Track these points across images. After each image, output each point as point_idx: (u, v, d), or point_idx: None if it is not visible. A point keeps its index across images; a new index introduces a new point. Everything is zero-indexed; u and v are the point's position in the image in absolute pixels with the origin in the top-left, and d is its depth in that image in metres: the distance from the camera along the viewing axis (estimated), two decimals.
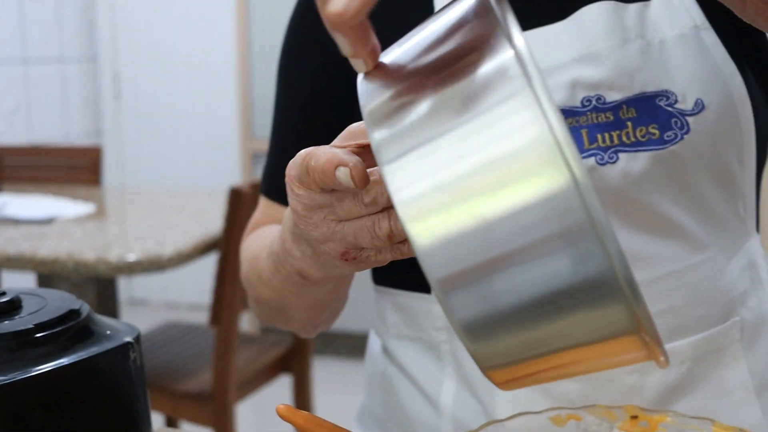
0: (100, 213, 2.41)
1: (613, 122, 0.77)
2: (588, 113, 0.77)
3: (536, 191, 0.40)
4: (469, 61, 0.44)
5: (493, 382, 0.48)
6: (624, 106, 0.77)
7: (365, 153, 0.57)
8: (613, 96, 0.77)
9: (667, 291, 0.79)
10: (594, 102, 0.77)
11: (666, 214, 0.78)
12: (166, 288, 4.50)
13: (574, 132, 0.77)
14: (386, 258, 0.58)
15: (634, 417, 0.70)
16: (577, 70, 0.77)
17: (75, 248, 1.92)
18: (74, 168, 3.08)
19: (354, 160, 0.54)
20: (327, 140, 0.85)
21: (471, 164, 0.42)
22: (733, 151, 0.80)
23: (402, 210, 0.43)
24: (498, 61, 0.43)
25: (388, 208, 0.55)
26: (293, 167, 0.57)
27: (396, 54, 0.50)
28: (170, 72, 4.30)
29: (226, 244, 2.01)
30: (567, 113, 0.77)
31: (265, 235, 0.84)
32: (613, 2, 0.79)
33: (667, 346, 0.79)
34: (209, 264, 2.19)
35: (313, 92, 0.87)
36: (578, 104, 0.77)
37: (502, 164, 0.41)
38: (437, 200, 0.42)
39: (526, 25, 0.80)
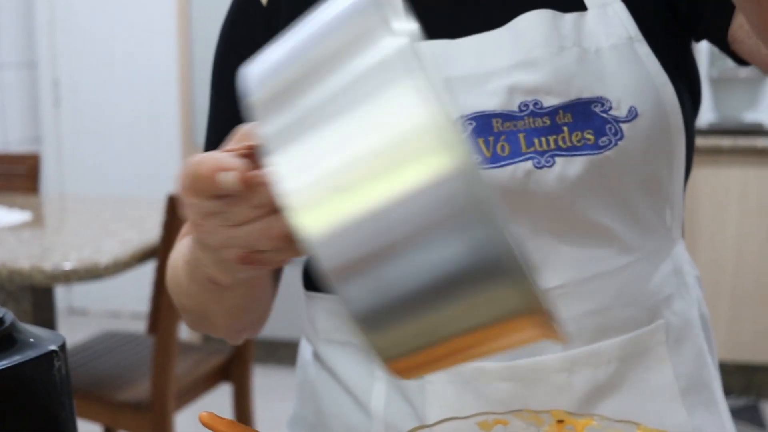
0: (37, 221, 2.38)
1: (550, 127, 0.79)
2: (525, 118, 0.79)
3: (422, 177, 0.40)
4: (353, 51, 0.44)
5: (393, 372, 0.48)
6: (560, 111, 0.79)
7: (256, 154, 0.56)
8: (550, 101, 0.79)
9: (595, 291, 0.81)
10: (531, 107, 0.79)
11: (597, 218, 0.80)
12: (107, 297, 4.45)
13: (512, 137, 0.78)
14: (286, 257, 0.58)
15: (560, 421, 0.71)
16: (514, 75, 0.79)
17: (9, 257, 1.89)
18: (12, 175, 3.03)
19: (237, 163, 0.54)
20: None
21: (356, 152, 0.42)
22: (664, 159, 0.82)
23: (288, 201, 0.43)
24: (380, 49, 0.43)
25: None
26: (183, 176, 0.57)
27: (280, 47, 0.50)
28: (111, 79, 4.26)
29: (164, 252, 1.99)
30: (505, 117, 0.79)
31: (186, 245, 0.84)
32: (550, 11, 0.81)
33: (595, 346, 0.81)
34: (149, 272, 2.17)
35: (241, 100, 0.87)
36: (516, 109, 0.79)
37: (388, 151, 0.41)
38: (324, 190, 0.42)
39: (465, 31, 0.81)
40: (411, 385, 0.83)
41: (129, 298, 4.34)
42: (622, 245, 0.82)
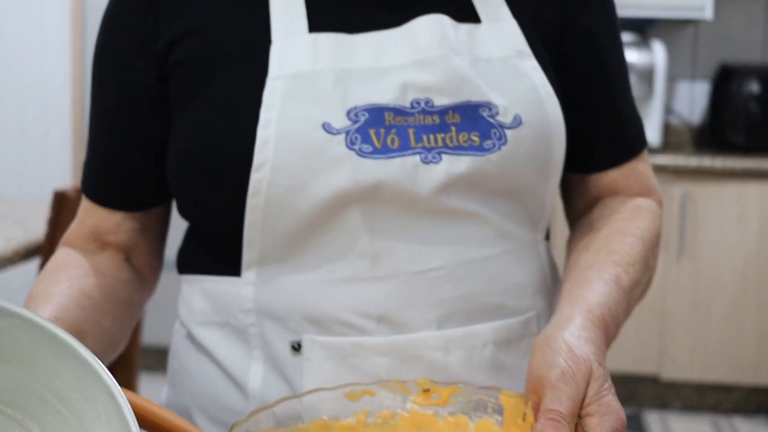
0: None
1: (439, 125, 0.83)
2: (416, 114, 0.83)
3: None
4: None
5: None
6: (450, 112, 0.83)
7: None
8: (440, 101, 0.83)
9: (467, 276, 0.85)
10: (423, 105, 0.83)
11: (474, 211, 0.85)
12: None
13: (402, 131, 0.82)
14: None
15: (426, 390, 0.73)
16: (409, 73, 0.83)
17: None
18: None
19: None
20: (137, 140, 0.87)
21: None
22: (542, 166, 0.87)
23: None
24: None
25: None
26: None
27: None
28: (1, 78, 4.14)
29: (49, 249, 1.95)
30: (397, 112, 0.82)
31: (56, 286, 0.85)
32: (446, 17, 0.86)
33: (469, 328, 0.85)
34: (33, 270, 2.12)
35: (120, 93, 0.89)
36: (408, 105, 0.83)
37: None
38: None
39: (363, 28, 0.85)
40: (288, 363, 0.84)
41: (12, 296, 4.20)
42: (496, 237, 0.87)
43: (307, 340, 0.83)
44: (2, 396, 0.60)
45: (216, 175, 0.82)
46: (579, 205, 0.98)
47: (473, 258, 0.85)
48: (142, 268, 0.95)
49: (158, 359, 3.63)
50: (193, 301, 0.90)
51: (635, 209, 0.92)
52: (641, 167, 0.95)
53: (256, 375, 0.86)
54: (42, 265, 1.97)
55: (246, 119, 0.82)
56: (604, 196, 0.95)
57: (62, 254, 0.92)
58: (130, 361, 2.35)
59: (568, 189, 0.98)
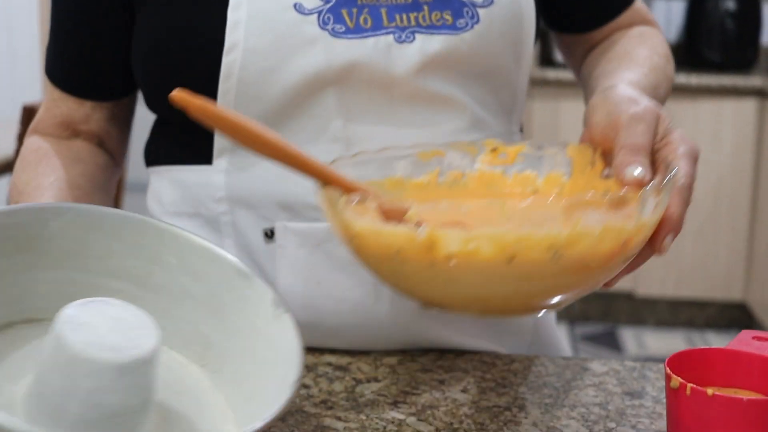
0: None
1: (411, 4, 0.82)
2: None
3: None
4: None
5: None
6: None
7: None
8: None
9: None
10: None
11: (449, 95, 0.84)
12: None
13: (374, 11, 0.81)
14: None
15: (494, 150, 0.79)
16: None
17: None
18: None
19: None
20: (103, 27, 0.85)
21: None
22: (514, 48, 0.86)
23: None
24: None
25: None
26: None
27: None
28: None
29: None
30: None
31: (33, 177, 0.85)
32: None
33: None
34: (4, 186, 2.09)
35: None
36: None
37: None
38: None
39: None
40: (261, 250, 0.83)
41: None
42: (473, 121, 0.86)
43: (280, 227, 0.82)
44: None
45: (186, 59, 0.80)
46: (582, 51, 0.99)
47: (452, 143, 0.84)
48: (113, 153, 0.94)
49: None
50: (162, 193, 0.88)
51: (641, 33, 0.95)
52: (637, 5, 0.97)
53: None
54: None
55: (216, 1, 0.79)
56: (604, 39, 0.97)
57: (36, 143, 0.90)
58: None
59: (572, 45, 1.00)
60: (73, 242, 0.67)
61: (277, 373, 0.64)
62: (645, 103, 0.72)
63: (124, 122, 0.94)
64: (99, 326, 0.57)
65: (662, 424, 0.72)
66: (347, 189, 0.68)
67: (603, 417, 0.73)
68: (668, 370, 0.64)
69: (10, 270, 0.64)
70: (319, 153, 0.81)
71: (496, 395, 0.77)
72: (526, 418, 0.73)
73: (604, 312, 3.50)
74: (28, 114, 1.88)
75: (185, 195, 0.86)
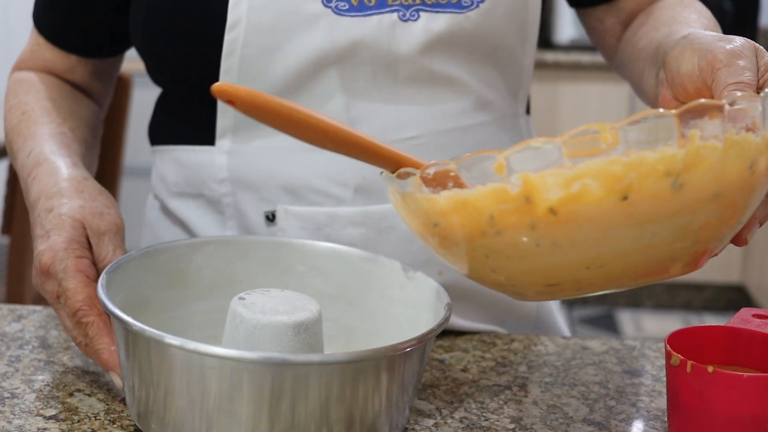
0: None
1: None
2: None
3: None
4: None
5: None
6: None
7: None
8: None
9: (446, 146, 0.83)
10: None
11: (454, 76, 0.83)
12: None
13: None
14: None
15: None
16: None
17: None
18: None
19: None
20: None
21: None
22: (519, 27, 0.85)
23: None
24: None
25: None
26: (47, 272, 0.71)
27: None
28: None
29: None
30: None
31: (28, 111, 0.86)
32: None
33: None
34: (1, 170, 2.08)
35: None
36: None
37: None
38: None
39: None
40: (261, 232, 0.84)
41: None
42: (478, 102, 0.85)
43: (281, 210, 0.82)
44: None
45: (189, 34, 0.80)
46: (616, 28, 0.93)
47: (453, 127, 0.84)
48: (97, 101, 0.96)
49: None
50: (166, 173, 0.88)
51: (680, 1, 0.88)
52: None
53: None
54: (10, 166, 1.94)
55: None
56: (638, 11, 0.92)
57: (25, 75, 0.91)
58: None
59: (604, 20, 0.93)
60: (216, 272, 0.75)
61: (427, 316, 0.69)
62: (738, 38, 0.66)
63: (108, 77, 0.96)
64: (266, 302, 0.66)
65: (662, 402, 0.73)
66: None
67: (603, 395, 0.74)
68: (668, 348, 0.64)
69: (169, 304, 0.73)
70: None
71: (497, 374, 0.77)
72: (526, 396, 0.73)
73: (602, 295, 3.51)
74: None
75: (188, 175, 0.86)
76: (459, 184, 0.56)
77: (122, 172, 2.33)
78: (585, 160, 0.52)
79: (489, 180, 0.54)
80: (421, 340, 0.61)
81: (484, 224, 0.54)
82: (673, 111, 0.53)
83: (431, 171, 0.57)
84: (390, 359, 0.59)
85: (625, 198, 0.52)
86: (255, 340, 0.63)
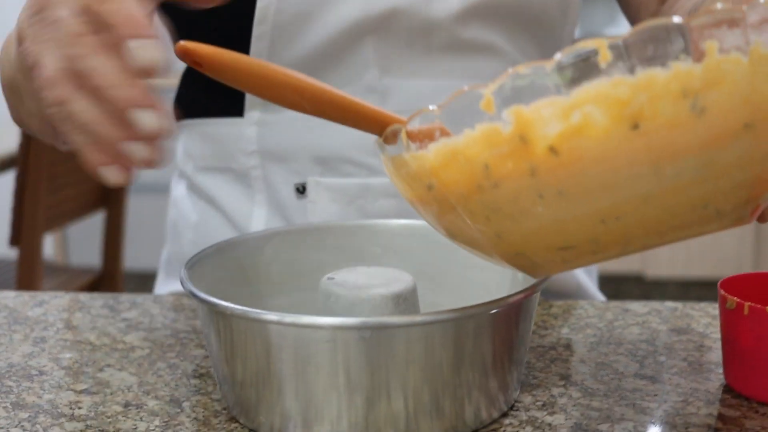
0: None
1: None
2: None
3: None
4: None
5: None
6: None
7: None
8: None
9: None
10: None
11: (491, 43, 0.81)
12: None
13: None
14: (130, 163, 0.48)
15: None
16: None
17: None
18: None
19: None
20: None
21: None
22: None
23: None
24: None
25: None
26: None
27: None
28: None
29: (24, 161, 1.90)
30: None
31: None
32: None
33: None
34: (9, 182, 2.07)
35: None
36: None
37: None
38: None
39: None
40: (292, 206, 0.81)
41: None
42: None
43: (312, 182, 0.80)
44: None
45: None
46: (652, 3, 0.88)
47: None
48: None
49: (141, 283, 3.60)
50: (192, 147, 0.86)
51: None
52: None
53: (258, 219, 0.82)
54: (18, 177, 1.92)
55: None
56: None
57: None
58: (115, 274, 2.31)
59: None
60: (287, 265, 0.72)
61: (517, 278, 0.67)
62: None
63: None
64: (357, 278, 0.63)
65: (713, 355, 0.70)
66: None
67: (651, 352, 0.71)
68: (723, 292, 0.62)
69: (246, 301, 0.68)
70: None
71: (539, 337, 0.75)
72: (572, 356, 0.71)
73: (614, 294, 3.47)
74: None
75: (216, 149, 0.83)
76: (447, 134, 0.48)
77: (129, 185, 2.31)
78: (584, 84, 0.43)
79: (479, 123, 0.46)
80: (532, 291, 0.58)
81: (480, 176, 0.46)
82: (684, 17, 0.43)
83: (416, 123, 0.50)
84: (509, 308, 0.57)
85: (635, 127, 0.42)
86: (356, 315, 0.61)
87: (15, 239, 1.95)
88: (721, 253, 3.36)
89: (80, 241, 3.54)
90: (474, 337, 0.55)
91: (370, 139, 0.78)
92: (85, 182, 2.14)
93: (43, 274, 2.04)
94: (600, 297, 0.93)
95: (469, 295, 0.71)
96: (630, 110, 0.42)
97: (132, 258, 3.20)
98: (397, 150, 0.50)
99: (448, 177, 0.47)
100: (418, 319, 0.53)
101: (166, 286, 0.91)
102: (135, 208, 3.11)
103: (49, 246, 3.44)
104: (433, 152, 0.47)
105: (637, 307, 0.81)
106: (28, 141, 1.87)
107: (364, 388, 0.54)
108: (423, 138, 0.49)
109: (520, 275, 0.65)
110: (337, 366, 0.54)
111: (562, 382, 0.65)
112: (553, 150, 0.44)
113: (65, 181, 2.04)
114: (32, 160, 1.87)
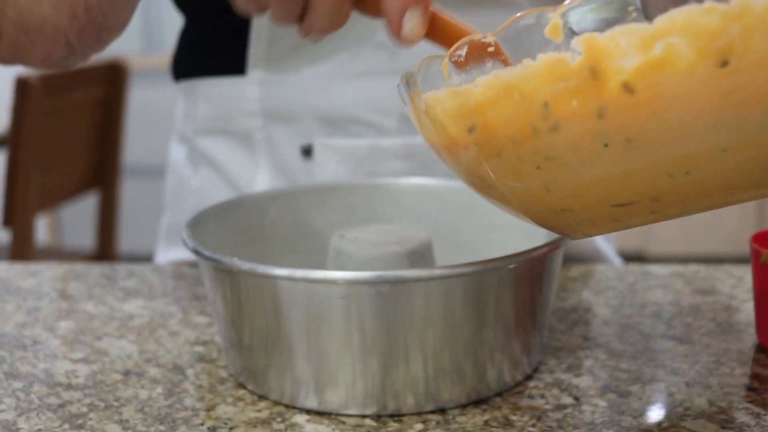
0: None
1: None
2: None
3: None
4: None
5: None
6: None
7: None
8: None
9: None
10: None
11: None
12: None
13: None
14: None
15: None
16: None
17: None
18: None
19: None
20: None
21: None
22: None
23: None
24: None
25: None
26: None
27: None
28: None
29: (15, 139, 1.85)
30: None
31: None
32: None
33: None
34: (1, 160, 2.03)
35: None
36: None
37: None
38: None
39: None
40: (297, 169, 0.77)
41: None
42: None
43: (319, 143, 0.76)
44: None
45: None
46: None
47: None
48: None
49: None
50: (192, 110, 0.82)
51: None
52: None
53: (262, 184, 0.79)
54: (10, 157, 1.88)
55: None
56: None
57: None
58: (108, 255, 2.28)
59: None
60: (293, 225, 0.68)
61: (537, 235, 0.62)
62: None
63: None
64: (369, 237, 0.59)
65: (742, 316, 0.67)
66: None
67: (677, 314, 0.68)
68: (756, 246, 0.59)
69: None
70: (363, 61, 0.75)
71: (559, 300, 0.71)
72: (595, 318, 0.67)
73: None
74: (22, 86, 1.81)
75: (217, 110, 0.79)
76: (505, 63, 0.42)
77: (123, 168, 2.27)
78: (671, 11, 0.37)
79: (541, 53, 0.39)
80: (557, 245, 0.54)
81: (536, 116, 0.39)
82: None
83: (462, 51, 0.43)
84: (529, 263, 0.53)
85: (724, 63, 0.36)
86: None
87: (7, 220, 1.91)
88: (724, 229, 3.33)
89: (74, 224, 3.50)
90: (497, 293, 0.52)
91: (379, 97, 0.74)
92: (78, 162, 2.10)
93: (36, 256, 2.00)
94: (618, 262, 0.89)
95: (485, 257, 0.67)
96: (719, 43, 0.36)
97: (127, 242, 3.16)
98: (429, 85, 0.44)
99: (497, 117, 0.40)
100: (437, 272, 0.50)
101: (166, 254, 0.87)
102: (129, 191, 3.07)
103: (42, 230, 3.40)
104: (481, 86, 0.40)
105: (659, 269, 0.78)
106: (19, 120, 1.83)
107: (380, 349, 0.50)
108: (470, 57, 0.43)
109: (541, 235, 0.62)
110: (352, 325, 0.50)
111: (587, 344, 0.62)
112: (627, 87, 0.37)
113: (57, 161, 2.00)
114: (23, 140, 1.83)
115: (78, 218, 3.37)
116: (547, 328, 0.58)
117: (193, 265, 0.82)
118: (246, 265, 0.51)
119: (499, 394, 0.54)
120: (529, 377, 0.57)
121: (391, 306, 0.50)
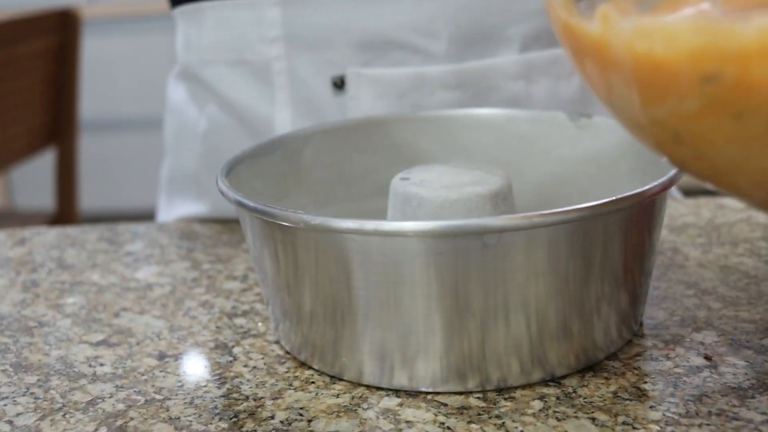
0: None
1: None
2: None
3: None
4: None
5: None
6: None
7: None
8: None
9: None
10: None
11: None
12: None
13: None
14: None
15: None
16: None
17: None
18: None
19: None
20: None
21: None
22: None
23: None
24: None
25: None
26: None
27: None
28: None
29: None
30: None
31: None
32: None
33: (555, 51, 0.69)
34: None
35: None
36: None
37: None
38: None
39: None
40: (326, 105, 0.67)
41: None
42: None
43: (353, 74, 0.65)
44: None
45: None
46: None
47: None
48: None
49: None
50: (196, 36, 0.70)
51: None
52: None
53: (283, 124, 0.68)
54: None
55: None
56: None
57: None
58: (71, 216, 2.15)
59: None
60: (331, 169, 0.59)
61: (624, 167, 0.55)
62: None
63: None
64: (439, 177, 0.50)
65: None
66: None
67: None
68: None
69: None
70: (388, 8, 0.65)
71: None
72: (687, 261, 0.59)
73: None
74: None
75: (226, 37, 0.68)
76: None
77: (80, 122, 2.14)
78: None
79: None
80: (671, 183, 0.45)
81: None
82: None
83: None
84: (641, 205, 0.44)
85: None
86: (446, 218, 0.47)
87: None
88: None
89: (26, 185, 3.34)
90: (604, 239, 0.43)
91: (424, 16, 0.64)
92: (32, 118, 1.97)
93: None
94: (678, 195, 0.81)
95: (557, 195, 0.59)
96: None
97: (89, 201, 3.03)
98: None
99: (762, 70, 0.27)
100: (558, 217, 0.40)
101: (171, 210, 0.77)
102: (85, 147, 2.92)
103: None
104: (756, 28, 0.26)
105: (733, 203, 0.70)
106: None
107: (477, 309, 0.41)
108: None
109: (624, 167, 0.53)
110: (444, 284, 0.41)
111: (691, 292, 0.53)
112: None
113: (8, 118, 1.86)
114: None
115: (30, 178, 3.22)
116: (651, 276, 0.50)
117: (204, 221, 0.72)
118: (316, 220, 0.41)
119: (611, 356, 0.46)
120: (640, 335, 0.48)
121: (498, 258, 0.41)
